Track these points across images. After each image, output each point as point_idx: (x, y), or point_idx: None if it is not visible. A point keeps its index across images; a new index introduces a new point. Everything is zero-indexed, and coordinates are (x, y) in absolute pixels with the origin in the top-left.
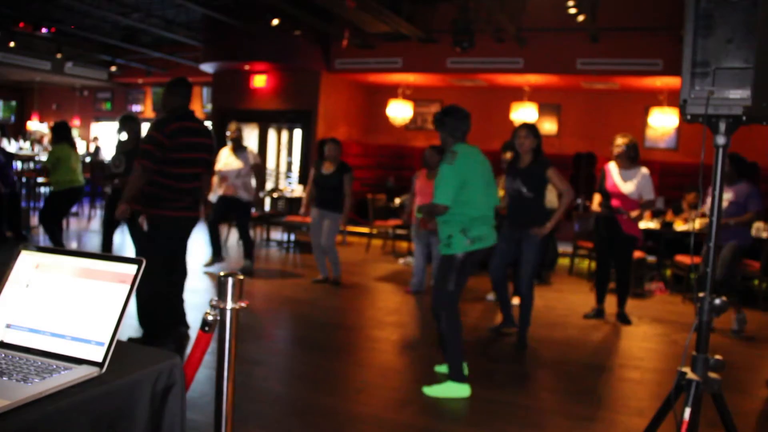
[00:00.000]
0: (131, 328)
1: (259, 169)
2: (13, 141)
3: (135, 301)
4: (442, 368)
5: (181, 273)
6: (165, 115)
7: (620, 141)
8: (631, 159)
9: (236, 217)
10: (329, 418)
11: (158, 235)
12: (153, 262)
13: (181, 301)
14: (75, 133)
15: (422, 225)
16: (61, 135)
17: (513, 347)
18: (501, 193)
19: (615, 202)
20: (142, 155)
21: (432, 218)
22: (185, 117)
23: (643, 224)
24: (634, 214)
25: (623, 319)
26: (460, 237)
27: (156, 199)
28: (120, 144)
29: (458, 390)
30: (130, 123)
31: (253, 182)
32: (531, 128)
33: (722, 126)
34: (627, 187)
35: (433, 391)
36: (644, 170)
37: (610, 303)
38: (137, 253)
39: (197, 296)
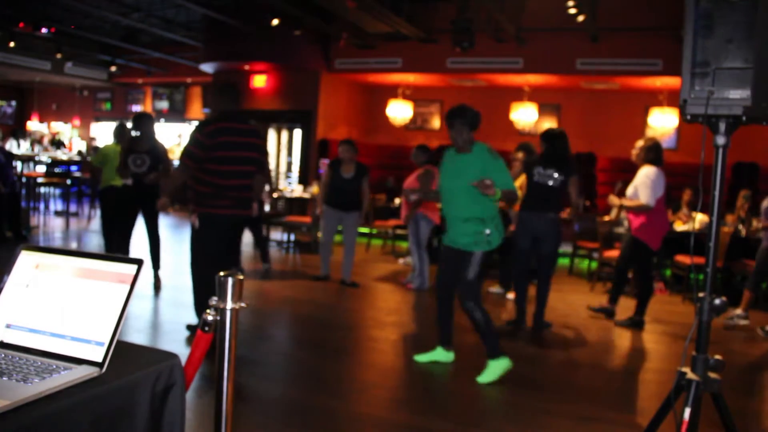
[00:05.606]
0: (132, 328)
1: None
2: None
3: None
4: (422, 357)
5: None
6: (208, 117)
7: (637, 144)
8: (643, 161)
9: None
10: (329, 418)
11: (205, 233)
12: (201, 256)
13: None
14: (75, 133)
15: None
16: (115, 134)
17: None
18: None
19: None
20: (184, 154)
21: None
22: (226, 117)
23: None
24: (614, 206)
25: (630, 323)
26: (496, 233)
27: (204, 197)
28: (135, 142)
29: (502, 365)
30: (146, 121)
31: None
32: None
33: (722, 126)
34: (629, 189)
35: (484, 377)
36: (644, 169)
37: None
38: (191, 249)
39: None
